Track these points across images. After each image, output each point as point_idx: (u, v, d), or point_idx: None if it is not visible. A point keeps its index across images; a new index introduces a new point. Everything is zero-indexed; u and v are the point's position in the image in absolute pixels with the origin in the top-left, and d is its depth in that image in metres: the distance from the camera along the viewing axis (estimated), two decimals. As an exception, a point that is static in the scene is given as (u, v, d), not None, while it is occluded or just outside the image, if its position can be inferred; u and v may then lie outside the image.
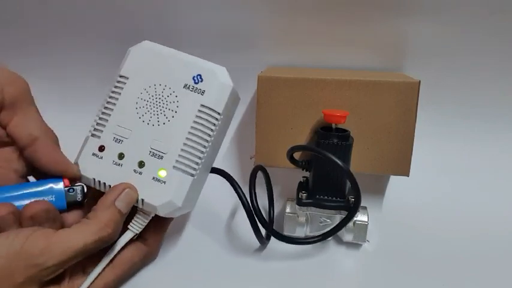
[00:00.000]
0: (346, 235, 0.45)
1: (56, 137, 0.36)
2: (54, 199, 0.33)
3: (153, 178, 0.34)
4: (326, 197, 0.44)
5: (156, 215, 0.36)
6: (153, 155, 0.34)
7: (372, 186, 0.55)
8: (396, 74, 0.53)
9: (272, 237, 0.43)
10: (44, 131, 0.35)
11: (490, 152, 0.57)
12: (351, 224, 0.44)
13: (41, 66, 0.61)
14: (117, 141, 0.35)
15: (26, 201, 0.32)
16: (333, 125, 0.44)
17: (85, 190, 0.35)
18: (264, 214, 0.43)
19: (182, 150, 0.34)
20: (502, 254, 0.45)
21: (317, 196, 0.44)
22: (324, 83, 0.47)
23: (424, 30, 0.53)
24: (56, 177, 0.34)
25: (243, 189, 0.40)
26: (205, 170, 0.37)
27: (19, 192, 0.33)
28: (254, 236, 0.42)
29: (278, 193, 0.53)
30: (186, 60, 0.36)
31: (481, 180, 0.56)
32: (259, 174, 0.45)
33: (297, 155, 0.47)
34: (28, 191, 0.33)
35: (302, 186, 0.47)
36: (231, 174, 0.41)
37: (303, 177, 0.48)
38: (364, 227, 0.44)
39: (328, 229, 0.42)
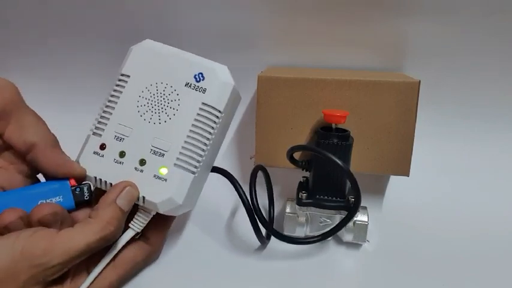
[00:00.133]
0: (346, 235, 0.45)
1: (55, 138, 0.36)
2: (62, 199, 0.33)
3: (154, 176, 0.34)
4: (326, 197, 0.44)
5: (158, 214, 0.36)
6: (154, 152, 0.34)
7: (372, 186, 0.55)
8: (396, 74, 0.53)
9: (272, 237, 0.43)
10: (40, 136, 0.34)
11: (490, 152, 0.57)
12: (351, 224, 0.44)
13: (41, 66, 0.61)
14: (118, 139, 0.35)
15: (35, 204, 0.32)
16: (333, 125, 0.44)
17: (92, 188, 0.35)
18: (264, 214, 0.43)
19: (183, 148, 0.34)
20: (502, 254, 0.45)
21: (317, 196, 0.44)
22: (324, 83, 0.47)
23: (424, 30, 0.53)
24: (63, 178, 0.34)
25: (243, 191, 0.41)
26: (206, 168, 0.37)
27: (27, 195, 0.33)
28: (254, 235, 0.42)
29: (278, 193, 0.53)
30: (187, 58, 0.36)
31: (481, 180, 0.56)
32: (259, 174, 0.45)
33: (297, 155, 0.47)
34: (36, 193, 0.33)
35: (302, 186, 0.47)
36: (223, 170, 0.41)
37: (303, 177, 0.48)
38: (364, 227, 0.44)
39: (328, 229, 0.42)
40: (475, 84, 0.55)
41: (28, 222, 0.31)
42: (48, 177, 0.35)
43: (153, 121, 0.35)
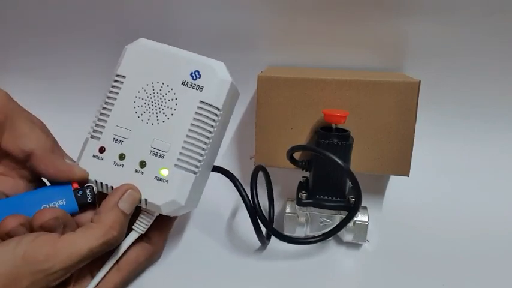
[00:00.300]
0: (346, 235, 0.45)
1: (53, 142, 0.36)
2: (65, 203, 0.33)
3: (156, 177, 0.34)
4: (326, 197, 0.44)
5: (160, 214, 0.36)
6: (154, 154, 0.34)
7: (372, 186, 0.55)
8: (396, 74, 0.53)
9: (272, 237, 0.43)
10: (37, 143, 0.34)
11: (490, 152, 0.57)
12: (351, 224, 0.44)
13: (41, 66, 0.61)
14: (117, 141, 0.35)
15: (37, 209, 0.32)
16: (333, 125, 0.44)
17: (95, 190, 0.35)
18: (264, 213, 0.43)
19: (183, 148, 0.34)
20: (502, 254, 0.45)
21: (317, 196, 0.44)
22: (324, 83, 0.47)
23: (424, 30, 0.53)
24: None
25: (245, 190, 0.41)
26: (207, 167, 0.37)
27: (29, 201, 0.33)
28: (254, 235, 0.42)
29: (278, 193, 0.53)
30: (183, 56, 0.36)
31: (481, 180, 0.56)
32: (260, 174, 0.45)
33: (296, 155, 0.47)
34: (38, 198, 0.33)
35: (302, 186, 0.47)
36: (225, 169, 0.41)
37: (303, 177, 0.48)
38: (364, 227, 0.44)
39: (329, 229, 0.42)
40: (475, 84, 0.55)
41: (31, 228, 0.31)
42: (51, 181, 0.35)
43: (151, 122, 0.35)
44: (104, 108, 0.36)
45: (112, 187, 0.34)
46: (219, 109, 0.35)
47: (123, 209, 0.33)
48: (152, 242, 0.38)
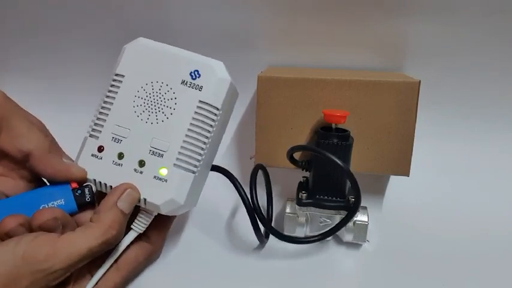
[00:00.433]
0: (346, 235, 0.45)
1: (51, 142, 0.36)
2: (63, 203, 0.33)
3: (154, 177, 0.34)
4: (326, 197, 0.44)
5: (159, 213, 0.36)
6: (153, 153, 0.34)
7: (372, 186, 0.55)
8: (396, 74, 0.53)
9: (272, 237, 0.43)
10: (35, 143, 0.34)
11: (490, 152, 0.57)
12: (350, 224, 0.44)
13: (41, 65, 0.61)
14: (116, 140, 0.35)
15: (37, 208, 0.32)
16: (333, 125, 0.44)
17: (94, 189, 0.35)
18: (263, 212, 0.43)
19: (182, 147, 0.34)
20: (502, 254, 0.45)
21: (317, 196, 0.44)
22: (324, 83, 0.47)
23: (424, 30, 0.53)
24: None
25: (243, 189, 0.40)
26: (206, 166, 0.37)
27: (29, 200, 0.33)
28: (253, 235, 0.42)
29: (278, 193, 0.53)
30: (182, 55, 0.35)
31: (481, 180, 0.56)
32: (259, 174, 0.45)
33: (296, 155, 0.47)
34: (37, 198, 0.33)
35: (302, 186, 0.47)
36: (223, 169, 0.41)
37: (303, 177, 0.48)
38: (364, 227, 0.44)
39: (328, 229, 0.42)
40: (475, 84, 0.55)
41: (30, 228, 0.31)
42: (50, 181, 0.35)
43: (151, 121, 0.35)
44: (102, 107, 0.36)
45: (111, 186, 0.34)
46: (218, 109, 0.35)
47: (122, 208, 0.33)
48: (151, 241, 0.38)
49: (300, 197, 0.44)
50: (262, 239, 0.44)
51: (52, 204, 0.33)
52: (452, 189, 0.55)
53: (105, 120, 0.35)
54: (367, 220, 0.44)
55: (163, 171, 0.34)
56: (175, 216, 0.40)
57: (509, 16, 0.51)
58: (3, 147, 0.34)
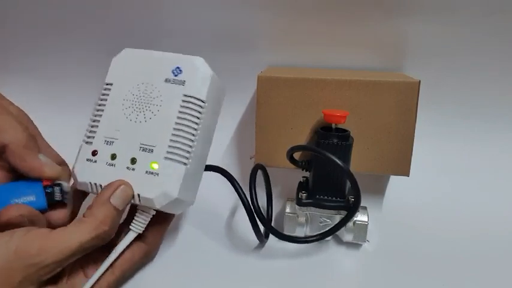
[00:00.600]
0: (346, 235, 0.45)
1: (29, 136, 0.35)
2: (34, 199, 0.33)
3: (146, 172, 0.34)
4: (326, 197, 0.44)
5: (157, 213, 0.36)
6: (144, 149, 0.35)
7: (372, 186, 0.55)
8: (396, 74, 0.53)
9: (272, 237, 0.43)
10: (13, 137, 0.34)
11: (490, 152, 0.57)
12: (350, 224, 0.44)
13: (41, 66, 0.61)
14: (108, 143, 0.36)
15: (8, 202, 0.32)
16: (333, 125, 0.44)
17: (65, 189, 0.35)
18: (263, 212, 0.43)
19: (171, 140, 0.35)
20: (502, 254, 0.45)
21: (317, 196, 0.44)
22: (324, 83, 0.47)
23: (424, 30, 0.53)
24: None
25: (241, 188, 0.41)
26: (198, 159, 0.37)
27: (0, 194, 0.33)
28: (253, 234, 0.42)
29: (278, 193, 0.53)
30: (164, 56, 0.37)
31: (481, 180, 0.56)
32: (259, 174, 0.45)
33: (296, 155, 0.47)
34: (9, 192, 0.33)
35: (302, 186, 0.47)
36: (221, 168, 0.41)
37: (303, 177, 0.48)
38: (364, 227, 0.44)
39: (327, 229, 0.42)
40: (475, 84, 0.55)
41: None
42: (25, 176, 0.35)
43: (139, 120, 0.36)
44: (95, 115, 0.37)
45: None
46: (203, 101, 0.36)
47: (115, 204, 0.33)
48: (147, 241, 0.38)
49: (300, 197, 0.44)
50: (262, 238, 0.44)
51: (23, 199, 0.33)
52: (452, 189, 0.55)
53: (98, 126, 0.37)
54: (367, 220, 0.44)
55: (155, 166, 0.34)
56: (173, 216, 0.40)
57: (509, 16, 0.51)
58: None
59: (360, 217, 0.44)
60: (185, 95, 0.35)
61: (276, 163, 0.49)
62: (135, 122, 0.36)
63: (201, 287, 0.40)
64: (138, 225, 0.36)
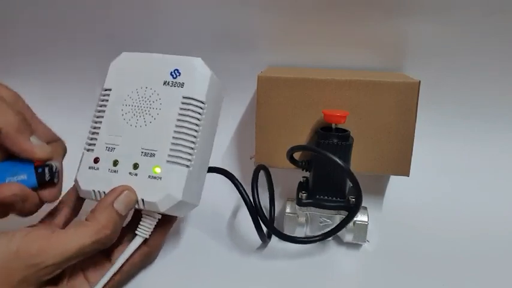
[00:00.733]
0: (346, 235, 0.45)
1: (21, 119, 0.35)
2: (26, 178, 0.34)
3: (149, 176, 0.34)
4: (326, 197, 0.44)
5: (162, 216, 0.36)
6: (145, 154, 0.35)
7: (372, 186, 0.55)
8: (396, 74, 0.53)
9: (273, 237, 0.43)
10: (3, 120, 0.34)
11: (490, 152, 0.57)
12: (351, 224, 0.44)
13: (41, 69, 0.61)
14: (110, 149, 0.35)
15: (2, 180, 0.33)
16: (333, 125, 0.44)
17: (55, 169, 0.35)
18: (265, 212, 0.43)
19: (172, 143, 0.35)
20: (502, 254, 0.45)
21: (317, 196, 0.44)
22: (324, 83, 0.47)
23: (424, 30, 0.53)
24: None
25: (245, 190, 0.41)
26: (201, 161, 0.37)
27: None
28: (254, 235, 0.42)
29: (278, 193, 0.53)
30: (161, 59, 0.37)
31: (481, 180, 0.56)
32: (260, 174, 0.45)
33: (296, 155, 0.47)
34: (4, 171, 0.34)
35: (302, 186, 0.47)
36: (224, 170, 0.41)
37: (303, 177, 0.48)
38: (364, 227, 0.44)
39: (329, 229, 0.42)
40: (475, 84, 0.55)
41: None
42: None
43: (139, 125, 0.35)
44: (95, 122, 0.37)
45: None
46: (202, 102, 0.36)
47: (118, 209, 0.33)
48: (149, 244, 0.38)
49: (300, 197, 0.44)
50: (265, 238, 0.44)
51: (16, 178, 0.34)
52: (452, 189, 0.55)
53: (98, 133, 0.36)
54: (367, 220, 0.44)
55: (157, 170, 0.34)
56: (176, 218, 0.39)
57: (509, 16, 0.51)
58: None
59: (360, 217, 0.44)
60: (184, 97, 0.35)
61: (276, 163, 0.49)
62: (136, 126, 0.35)
63: (203, 287, 0.40)
64: (144, 229, 0.36)
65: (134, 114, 0.36)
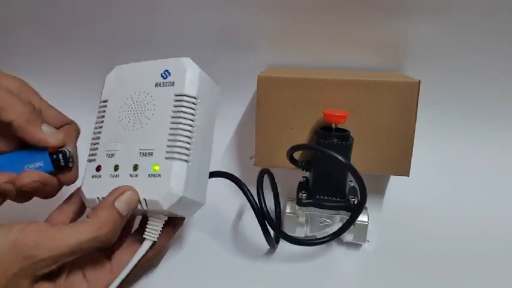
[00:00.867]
0: (346, 235, 0.45)
1: (31, 110, 0.36)
2: (43, 164, 0.36)
3: (149, 175, 0.34)
4: (326, 197, 0.44)
5: (168, 219, 0.36)
6: (143, 154, 0.35)
7: (372, 186, 0.55)
8: (396, 74, 0.53)
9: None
10: (14, 114, 0.34)
11: (490, 152, 0.57)
12: (351, 224, 0.44)
13: (41, 69, 0.61)
14: (110, 156, 0.36)
15: (22, 167, 0.36)
16: (333, 125, 0.44)
17: (68, 155, 0.37)
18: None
19: (169, 140, 0.35)
20: (502, 254, 0.45)
21: (317, 196, 0.44)
22: (324, 83, 0.47)
23: (424, 30, 0.53)
24: None
25: (252, 195, 0.41)
26: (201, 156, 0.37)
27: (14, 160, 0.36)
28: (259, 239, 0.42)
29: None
30: (152, 63, 0.38)
31: (481, 180, 0.56)
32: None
33: (296, 155, 0.47)
34: (22, 158, 0.36)
35: (302, 186, 0.47)
36: (231, 174, 0.41)
37: (303, 177, 0.48)
38: (364, 227, 0.44)
39: (336, 229, 0.42)
40: (475, 84, 0.55)
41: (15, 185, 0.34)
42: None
43: (136, 127, 0.36)
44: (95, 133, 0.38)
45: None
46: (194, 97, 0.36)
47: (119, 208, 0.33)
48: (153, 247, 0.37)
49: (300, 197, 0.44)
50: (273, 243, 0.43)
51: (33, 165, 0.36)
52: (452, 189, 0.55)
53: (99, 142, 0.37)
54: (367, 220, 0.44)
55: (157, 167, 0.34)
56: (181, 224, 0.39)
57: (509, 16, 0.51)
58: None
59: (360, 217, 0.44)
60: (176, 95, 0.36)
61: (276, 163, 0.49)
62: (133, 130, 0.36)
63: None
64: (151, 232, 0.36)
65: (130, 119, 0.37)
